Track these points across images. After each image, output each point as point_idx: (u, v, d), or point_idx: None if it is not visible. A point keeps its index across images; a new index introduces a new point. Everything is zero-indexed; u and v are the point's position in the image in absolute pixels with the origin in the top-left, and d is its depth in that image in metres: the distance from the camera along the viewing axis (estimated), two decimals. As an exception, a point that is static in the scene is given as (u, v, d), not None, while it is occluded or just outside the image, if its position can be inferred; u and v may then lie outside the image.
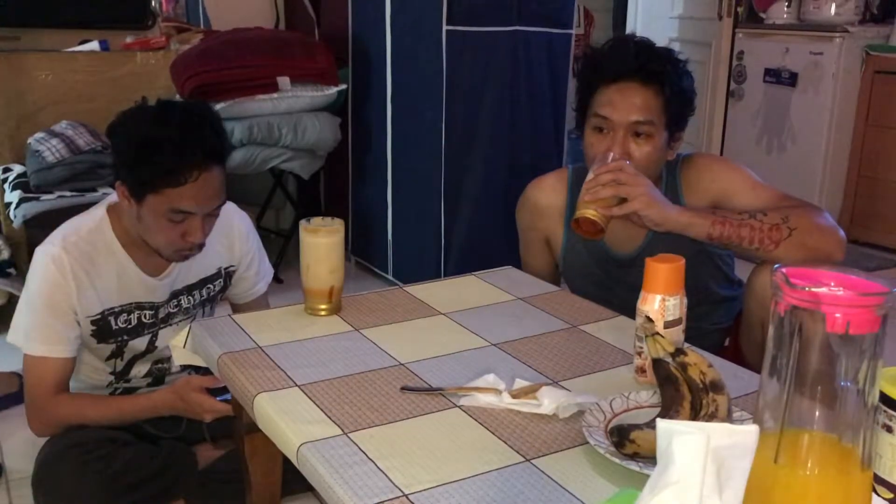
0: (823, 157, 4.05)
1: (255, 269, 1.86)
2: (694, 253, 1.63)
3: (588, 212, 1.49)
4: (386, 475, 0.99)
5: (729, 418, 1.04)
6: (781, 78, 4.19)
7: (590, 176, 1.54)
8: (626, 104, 1.59)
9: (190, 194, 1.52)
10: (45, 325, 1.59)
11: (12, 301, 2.63)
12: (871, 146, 3.95)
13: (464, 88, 2.85)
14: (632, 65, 1.60)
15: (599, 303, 1.60)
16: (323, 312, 1.52)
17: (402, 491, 0.95)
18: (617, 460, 0.99)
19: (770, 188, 1.63)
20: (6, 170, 3.06)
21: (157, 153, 1.48)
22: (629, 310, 1.40)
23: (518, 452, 1.05)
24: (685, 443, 0.67)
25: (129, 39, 3.64)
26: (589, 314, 1.54)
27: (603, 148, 1.62)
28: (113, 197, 1.65)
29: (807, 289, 0.71)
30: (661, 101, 1.60)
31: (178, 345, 1.52)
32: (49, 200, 2.76)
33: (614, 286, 1.74)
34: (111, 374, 1.76)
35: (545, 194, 1.83)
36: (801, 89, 4.10)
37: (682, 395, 1.06)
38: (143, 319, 1.71)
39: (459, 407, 1.16)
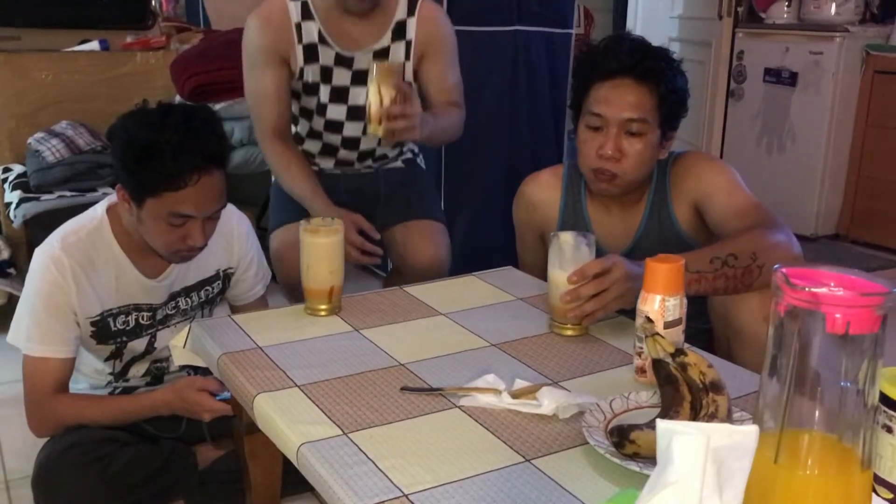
0: (823, 157, 4.05)
1: (254, 271, 1.85)
2: (680, 251, 1.63)
3: (567, 330, 1.43)
4: (386, 475, 0.99)
5: (729, 418, 1.04)
6: (781, 78, 4.19)
7: (556, 284, 1.41)
8: (620, 101, 1.60)
9: (190, 198, 1.51)
10: (44, 326, 1.59)
11: (12, 301, 2.63)
12: (871, 146, 3.95)
13: (464, 88, 2.85)
14: (626, 62, 1.61)
15: None
16: (323, 312, 1.52)
17: (402, 491, 0.95)
18: (617, 460, 0.99)
19: (745, 194, 1.62)
20: (6, 170, 3.06)
21: (157, 158, 1.47)
22: (622, 310, 1.41)
23: (518, 452, 1.05)
24: (685, 443, 0.67)
25: (129, 39, 3.64)
26: (589, 314, 1.54)
27: (597, 144, 1.62)
28: (113, 197, 1.65)
29: (807, 289, 0.71)
30: (654, 99, 1.61)
31: (178, 345, 1.52)
32: (49, 200, 2.76)
33: None
34: (110, 374, 1.76)
35: (540, 189, 1.85)
36: (801, 89, 4.09)
37: (682, 396, 1.06)
38: (142, 321, 1.71)
39: (459, 407, 1.16)
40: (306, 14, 1.99)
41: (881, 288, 0.71)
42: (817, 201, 4.08)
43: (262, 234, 1.98)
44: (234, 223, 1.79)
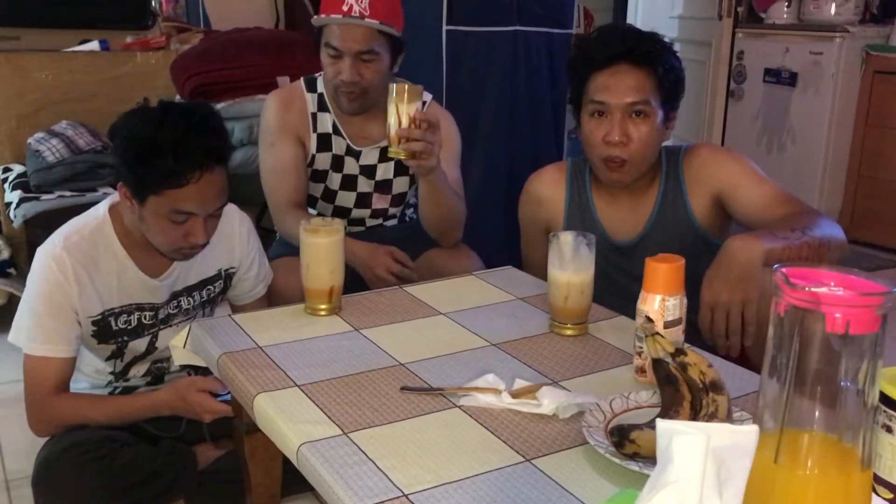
0: (823, 157, 4.05)
1: (256, 271, 1.85)
2: (692, 242, 1.64)
3: (567, 330, 1.44)
4: (386, 475, 0.99)
5: (729, 418, 1.04)
6: (781, 78, 4.19)
7: (556, 284, 1.43)
8: (621, 86, 1.62)
9: (191, 195, 1.52)
10: (46, 326, 1.59)
11: (12, 301, 2.63)
12: (871, 146, 3.95)
13: (464, 88, 2.85)
14: (622, 48, 1.63)
15: (599, 291, 1.60)
16: (323, 312, 1.52)
17: (402, 491, 0.95)
18: (617, 460, 0.99)
19: (772, 183, 1.65)
20: (6, 170, 3.06)
21: (158, 155, 1.48)
22: (628, 298, 1.40)
23: (518, 452, 1.05)
24: (685, 443, 0.67)
25: (129, 39, 3.64)
26: (589, 314, 1.54)
27: (602, 132, 1.63)
28: (115, 197, 1.65)
29: (807, 289, 0.71)
30: (654, 80, 1.63)
31: (178, 345, 1.52)
32: (49, 200, 2.76)
33: (614, 274, 1.74)
34: (111, 374, 1.76)
35: (544, 186, 1.86)
36: (801, 89, 4.10)
37: (682, 395, 1.06)
38: (144, 320, 1.71)
39: (459, 407, 1.16)
40: (322, 106, 2.09)
41: (881, 288, 0.71)
42: (817, 201, 4.08)
43: (263, 234, 1.98)
44: (236, 223, 1.79)
